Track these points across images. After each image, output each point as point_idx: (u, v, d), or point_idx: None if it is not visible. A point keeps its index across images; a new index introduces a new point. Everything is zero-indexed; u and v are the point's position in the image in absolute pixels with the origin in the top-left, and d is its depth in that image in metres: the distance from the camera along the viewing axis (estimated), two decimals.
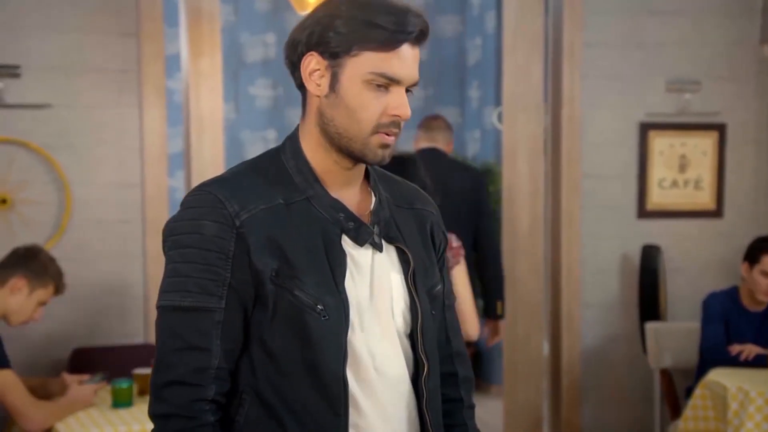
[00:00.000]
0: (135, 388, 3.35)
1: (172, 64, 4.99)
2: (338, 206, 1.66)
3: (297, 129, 1.71)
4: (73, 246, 4.13)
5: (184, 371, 1.58)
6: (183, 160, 4.60)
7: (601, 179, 4.64)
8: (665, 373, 4.46)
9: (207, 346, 1.59)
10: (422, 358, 1.70)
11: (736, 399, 3.61)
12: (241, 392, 1.63)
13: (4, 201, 4.08)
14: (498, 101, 6.47)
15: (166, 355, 1.60)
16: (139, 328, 4.21)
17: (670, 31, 4.63)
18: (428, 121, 4.68)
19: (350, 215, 1.67)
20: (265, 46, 7.19)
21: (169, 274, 1.62)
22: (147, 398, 2.62)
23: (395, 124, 1.64)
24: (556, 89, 4.66)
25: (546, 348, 4.83)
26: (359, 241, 1.67)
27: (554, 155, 4.70)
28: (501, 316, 4.54)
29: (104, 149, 4.21)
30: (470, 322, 3.36)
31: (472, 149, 7.43)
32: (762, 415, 3.54)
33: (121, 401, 3.29)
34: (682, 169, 4.69)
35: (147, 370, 3.37)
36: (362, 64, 1.60)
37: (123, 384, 3.30)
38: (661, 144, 4.66)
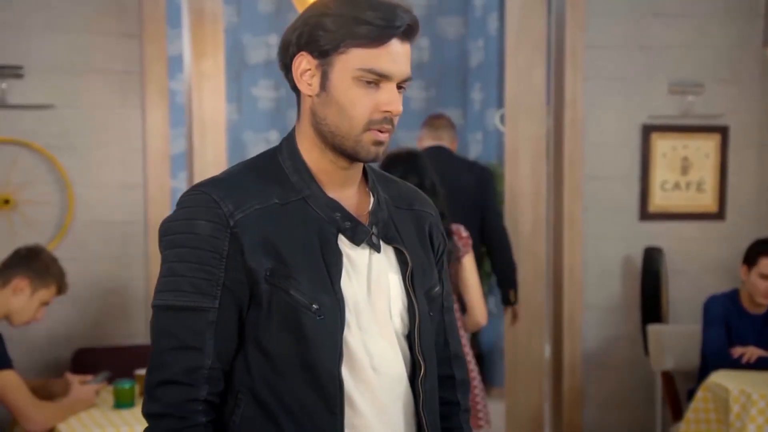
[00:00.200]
0: (137, 389, 3.35)
1: (174, 65, 5.00)
2: (335, 206, 1.66)
3: (294, 129, 1.72)
4: (75, 246, 4.14)
5: (177, 371, 1.58)
6: (185, 161, 4.61)
7: (604, 181, 4.64)
8: (667, 376, 4.46)
9: (200, 346, 1.59)
10: (419, 360, 1.70)
11: (738, 401, 3.61)
12: (237, 392, 1.64)
13: (6, 201, 4.08)
14: (500, 103, 6.46)
15: (160, 355, 1.61)
16: (142, 328, 4.22)
17: (672, 34, 4.63)
18: (432, 120, 4.69)
19: (347, 215, 1.67)
20: (267, 48, 7.20)
21: (164, 273, 1.62)
22: None
23: (387, 120, 1.63)
24: (558, 91, 4.66)
25: (547, 350, 4.82)
26: (356, 241, 1.66)
27: (556, 157, 4.70)
28: (515, 303, 4.55)
29: (107, 150, 4.22)
30: (478, 309, 3.55)
31: (475, 151, 7.43)
32: (764, 418, 3.54)
33: (123, 402, 3.29)
34: (684, 171, 4.69)
35: None
36: (351, 60, 1.60)
37: (125, 384, 3.30)
38: (663, 146, 4.66)
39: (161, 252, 1.64)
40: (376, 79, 1.61)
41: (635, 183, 4.67)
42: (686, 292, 4.65)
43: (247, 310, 1.62)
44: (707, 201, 4.72)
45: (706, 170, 4.70)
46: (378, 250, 1.69)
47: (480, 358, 6.92)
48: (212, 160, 4.33)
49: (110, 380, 3.52)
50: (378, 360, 1.66)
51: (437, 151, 4.48)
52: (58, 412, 3.21)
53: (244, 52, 7.18)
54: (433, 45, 7.54)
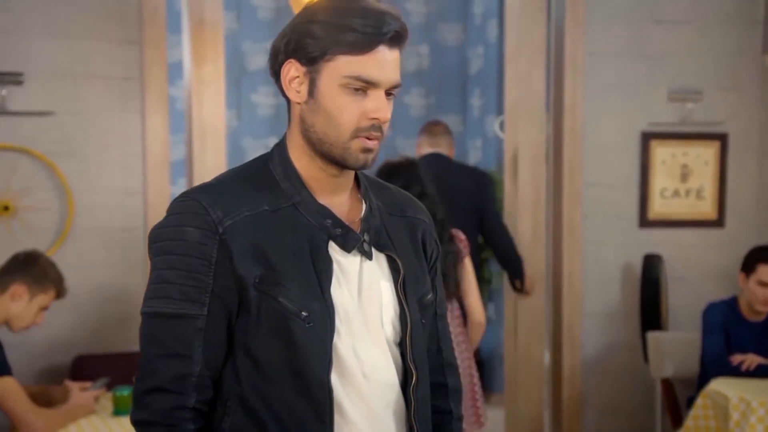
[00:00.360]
0: None
1: (174, 71, 5.00)
2: (325, 212, 1.66)
3: (285, 136, 1.72)
4: (75, 253, 4.14)
5: (165, 378, 1.58)
6: (185, 167, 4.61)
7: (603, 188, 4.64)
8: (667, 383, 4.45)
9: (188, 353, 1.59)
10: (411, 367, 1.70)
11: (737, 409, 3.60)
12: (226, 400, 1.63)
13: (6, 208, 4.08)
14: (500, 110, 6.47)
15: (149, 362, 1.61)
16: None
17: (672, 41, 4.64)
18: (430, 127, 4.73)
19: (337, 221, 1.66)
20: (267, 54, 7.16)
21: (153, 280, 1.62)
22: None
23: (375, 127, 1.62)
24: (558, 98, 4.66)
25: (547, 357, 4.82)
26: (347, 248, 1.66)
27: (556, 164, 4.70)
28: (521, 289, 4.61)
29: (107, 156, 4.22)
30: (477, 310, 3.66)
31: (474, 157, 7.43)
32: (763, 426, 3.53)
33: (122, 408, 3.29)
34: (683, 178, 4.70)
35: None
36: (338, 68, 1.60)
37: (124, 391, 3.30)
38: (663, 153, 4.67)
39: (150, 259, 1.64)
40: (363, 86, 1.60)
41: (635, 190, 4.67)
42: (686, 300, 4.64)
43: (237, 317, 1.62)
44: (707, 208, 4.72)
45: (705, 177, 4.70)
46: (369, 257, 1.69)
47: (480, 365, 6.91)
48: (212, 167, 4.33)
49: (109, 387, 3.52)
50: (369, 367, 1.65)
51: (435, 158, 4.51)
52: (57, 419, 3.21)
53: (243, 59, 7.19)
54: (432, 52, 7.55)
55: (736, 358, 3.96)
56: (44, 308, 3.44)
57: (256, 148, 7.19)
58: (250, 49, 7.21)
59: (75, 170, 4.17)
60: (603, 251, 4.65)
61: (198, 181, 4.30)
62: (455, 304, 3.66)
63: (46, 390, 3.53)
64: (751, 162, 4.73)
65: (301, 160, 1.67)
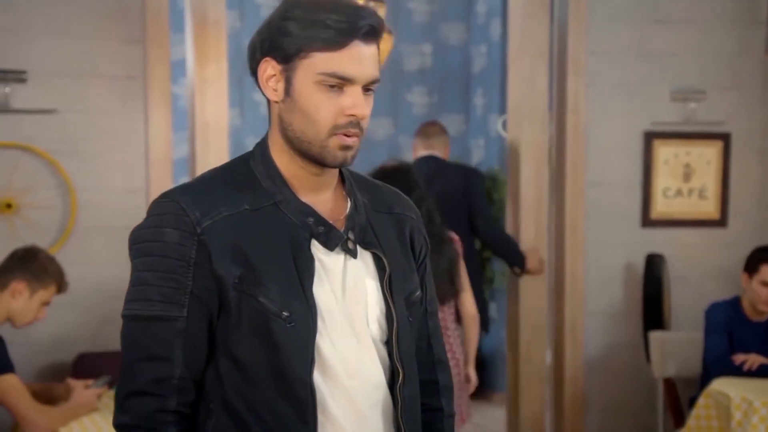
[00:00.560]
0: None
1: (177, 69, 5.00)
2: (307, 210, 1.64)
3: (267, 135, 1.70)
4: (77, 251, 4.14)
5: (145, 381, 1.57)
6: (188, 165, 4.61)
7: (606, 188, 4.64)
8: (669, 383, 4.45)
9: (169, 356, 1.57)
10: (397, 366, 1.67)
11: (739, 409, 3.60)
12: (209, 402, 1.61)
13: (9, 206, 4.09)
14: (503, 109, 6.46)
15: (129, 365, 1.59)
16: None
17: (675, 41, 4.64)
18: (424, 128, 4.75)
19: (320, 220, 1.64)
20: None
21: (133, 282, 1.61)
22: None
23: (353, 124, 1.60)
24: (560, 97, 4.66)
25: (549, 356, 4.82)
26: (329, 246, 1.64)
27: (559, 163, 4.70)
28: (520, 273, 4.62)
29: (110, 154, 4.22)
30: (470, 303, 3.74)
31: (477, 157, 7.43)
32: (766, 426, 3.53)
33: None
34: (686, 178, 4.69)
35: None
36: (312, 65, 1.58)
37: None
38: (665, 153, 4.66)
39: (131, 261, 1.62)
40: (339, 82, 1.58)
41: (637, 190, 4.67)
42: (688, 299, 4.64)
43: (218, 318, 1.60)
44: (709, 208, 4.71)
45: (708, 177, 4.70)
46: (354, 255, 1.66)
47: (481, 364, 6.91)
48: (215, 165, 4.31)
49: (111, 385, 3.51)
50: (355, 367, 1.63)
51: (428, 161, 4.54)
52: (59, 416, 3.21)
53: (246, 58, 7.19)
54: (435, 51, 7.55)
55: (739, 358, 3.96)
56: (46, 303, 3.44)
57: None
58: None
59: (78, 168, 4.17)
60: (605, 251, 4.65)
61: None
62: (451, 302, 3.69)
63: (49, 388, 3.53)
64: (753, 162, 4.73)
65: (282, 158, 1.66)
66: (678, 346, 4.42)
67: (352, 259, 1.66)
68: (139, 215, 4.69)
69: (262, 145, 1.69)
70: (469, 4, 7.56)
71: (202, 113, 4.35)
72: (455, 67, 7.57)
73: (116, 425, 1.60)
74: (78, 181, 4.17)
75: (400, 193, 1.85)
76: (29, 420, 3.16)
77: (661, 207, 4.68)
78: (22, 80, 4.07)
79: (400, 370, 1.68)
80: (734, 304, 4.16)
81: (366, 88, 1.61)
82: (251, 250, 1.59)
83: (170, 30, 4.30)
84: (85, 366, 4.01)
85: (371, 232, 1.70)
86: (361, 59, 1.58)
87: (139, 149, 4.25)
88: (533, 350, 4.69)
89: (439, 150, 4.63)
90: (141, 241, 1.62)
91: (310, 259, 1.61)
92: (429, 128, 4.73)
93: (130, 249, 1.63)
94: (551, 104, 4.75)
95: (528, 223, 4.64)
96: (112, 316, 4.23)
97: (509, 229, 4.76)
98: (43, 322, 3.52)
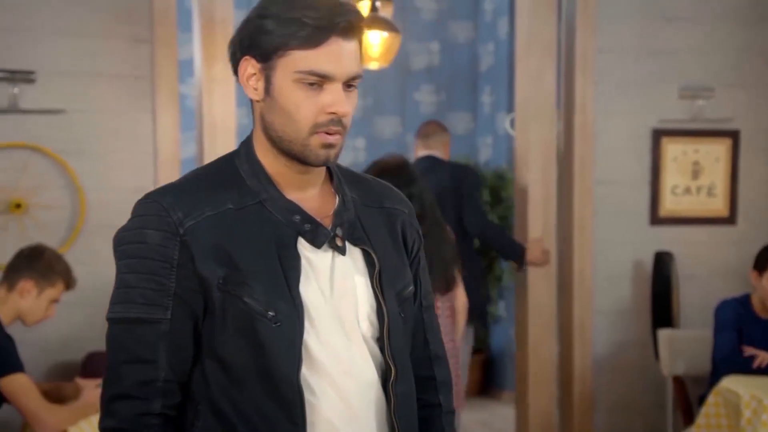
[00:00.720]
0: None
1: (185, 69, 5.01)
2: (293, 208, 1.62)
3: (251, 133, 1.68)
4: (86, 250, 4.15)
5: (129, 384, 1.56)
6: (196, 165, 4.61)
7: (614, 185, 4.63)
8: (678, 381, 4.44)
9: (153, 359, 1.56)
10: (389, 363, 1.65)
11: (749, 407, 3.59)
12: (196, 404, 1.60)
13: (18, 206, 4.10)
14: (510, 107, 6.46)
15: (114, 368, 1.58)
16: None
17: (683, 38, 4.63)
18: (423, 128, 4.77)
19: (306, 217, 1.62)
20: None
21: (117, 284, 1.61)
22: None
23: (335, 122, 1.58)
24: (568, 95, 4.66)
25: (557, 354, 4.81)
26: (316, 243, 1.61)
27: (567, 161, 4.69)
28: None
29: (118, 154, 4.23)
30: (461, 293, 3.74)
31: (485, 155, 7.43)
32: None
33: None
34: (695, 175, 4.68)
35: None
36: (291, 63, 1.56)
37: None
38: (674, 150, 4.65)
39: (115, 263, 1.62)
40: (317, 80, 1.56)
41: (646, 187, 4.66)
42: (697, 297, 4.63)
43: (203, 319, 1.59)
44: (718, 205, 4.70)
45: (716, 174, 4.69)
46: (343, 252, 1.64)
47: (490, 362, 6.92)
48: None
49: None
50: (346, 365, 1.61)
51: (426, 161, 4.55)
52: (69, 416, 3.22)
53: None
54: (443, 49, 7.55)
55: (748, 350, 3.95)
56: (55, 301, 3.45)
57: None
58: None
59: (86, 168, 4.18)
60: (614, 249, 4.64)
61: None
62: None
63: (58, 387, 3.55)
64: (762, 159, 4.72)
65: (267, 157, 1.64)
66: (687, 344, 4.41)
67: (341, 256, 1.64)
68: None
69: (247, 144, 1.67)
70: (476, 2, 7.56)
71: (209, 112, 4.36)
72: (463, 65, 7.57)
73: (102, 429, 1.58)
74: (86, 180, 4.18)
75: (392, 187, 1.82)
76: (39, 419, 3.17)
77: (669, 205, 4.67)
78: (31, 81, 4.08)
79: (393, 367, 1.65)
80: (744, 301, 4.15)
81: (348, 84, 1.59)
82: (235, 250, 1.57)
83: (178, 29, 4.31)
84: (94, 365, 4.01)
85: (360, 228, 1.68)
86: (340, 56, 1.56)
87: (147, 149, 4.26)
88: (542, 348, 4.68)
89: (437, 149, 4.64)
90: (124, 243, 1.61)
91: (296, 258, 1.59)
92: (427, 128, 4.75)
93: (114, 251, 1.62)
94: (559, 102, 4.74)
95: (536, 222, 4.63)
96: None
97: (517, 227, 4.76)
98: (53, 320, 3.53)
